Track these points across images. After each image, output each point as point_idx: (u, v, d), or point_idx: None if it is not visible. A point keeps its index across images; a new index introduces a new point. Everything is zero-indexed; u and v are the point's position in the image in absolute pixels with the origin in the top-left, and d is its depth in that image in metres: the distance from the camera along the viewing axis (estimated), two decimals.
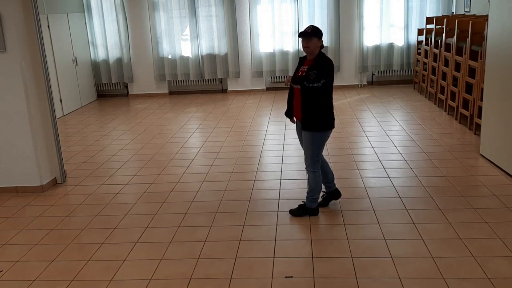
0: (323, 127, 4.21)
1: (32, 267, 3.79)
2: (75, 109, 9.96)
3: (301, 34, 4.13)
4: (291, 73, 10.64)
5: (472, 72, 6.82)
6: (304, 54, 4.29)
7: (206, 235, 4.15)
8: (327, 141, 6.49)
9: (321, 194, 4.57)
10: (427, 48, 9.15)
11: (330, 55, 10.43)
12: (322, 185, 4.50)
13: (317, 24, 10.35)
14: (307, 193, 4.41)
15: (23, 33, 5.10)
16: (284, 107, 4.56)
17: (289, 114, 4.47)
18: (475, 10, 9.13)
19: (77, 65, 10.12)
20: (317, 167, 4.31)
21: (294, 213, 4.43)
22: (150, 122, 8.49)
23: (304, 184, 5.15)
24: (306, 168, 4.37)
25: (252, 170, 5.73)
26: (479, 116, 6.25)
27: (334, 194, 4.58)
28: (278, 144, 6.71)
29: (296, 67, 4.36)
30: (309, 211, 4.40)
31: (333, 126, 4.28)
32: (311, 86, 4.05)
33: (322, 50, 4.20)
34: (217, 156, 6.34)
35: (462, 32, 7.30)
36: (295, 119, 4.45)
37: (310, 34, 4.10)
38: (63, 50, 9.56)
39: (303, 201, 4.48)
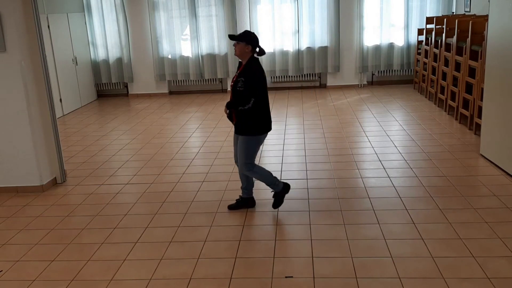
0: (255, 132, 4.26)
1: (32, 267, 3.79)
2: (75, 109, 9.96)
3: (230, 36, 4.22)
4: (290, 73, 10.68)
5: (472, 72, 6.82)
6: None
7: (206, 235, 4.15)
8: (328, 141, 6.50)
9: (237, 197, 4.68)
10: (427, 48, 9.15)
11: (330, 55, 10.45)
12: (242, 188, 4.59)
13: (317, 24, 10.38)
14: (268, 186, 4.49)
15: (23, 33, 5.10)
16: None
17: (230, 117, 4.41)
18: (475, 10, 9.13)
19: (77, 65, 10.12)
20: (251, 166, 4.35)
21: (277, 204, 4.50)
22: (150, 122, 8.49)
23: (304, 184, 5.16)
24: (243, 172, 4.43)
25: None
26: (479, 116, 6.25)
27: (249, 201, 4.62)
28: (278, 144, 6.70)
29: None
30: (282, 192, 4.49)
31: (267, 130, 4.33)
32: (238, 90, 4.15)
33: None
34: (217, 156, 6.34)
35: (462, 32, 7.30)
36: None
37: (236, 37, 4.16)
38: (63, 50, 9.56)
39: (272, 191, 4.54)
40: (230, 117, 4.36)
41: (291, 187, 4.58)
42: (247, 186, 4.57)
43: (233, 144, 4.55)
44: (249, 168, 4.36)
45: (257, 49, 4.20)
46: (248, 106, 4.16)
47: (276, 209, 4.55)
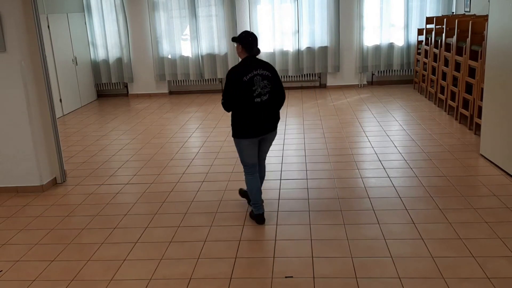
0: (234, 134, 4.22)
1: (32, 267, 3.79)
2: (75, 109, 9.96)
3: (233, 39, 4.23)
4: (290, 73, 10.68)
5: (472, 72, 6.82)
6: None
7: (206, 235, 4.15)
8: (328, 141, 6.51)
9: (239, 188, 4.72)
10: (427, 48, 9.15)
11: (330, 55, 10.45)
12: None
13: (317, 24, 10.38)
14: (249, 202, 4.49)
15: (23, 33, 5.10)
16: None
17: None
18: (475, 10, 9.14)
19: (77, 65, 10.12)
20: (246, 169, 4.32)
21: (242, 194, 4.66)
22: (150, 122, 8.49)
23: (304, 184, 5.16)
24: None
25: None
26: (479, 116, 6.24)
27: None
28: (278, 144, 6.70)
29: None
30: (254, 216, 4.35)
31: (245, 136, 4.15)
32: None
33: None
34: (217, 156, 6.34)
35: (462, 32, 7.30)
36: None
37: (234, 39, 4.17)
38: (63, 50, 9.56)
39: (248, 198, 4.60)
40: None
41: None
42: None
43: None
44: (244, 170, 4.35)
45: (242, 47, 4.12)
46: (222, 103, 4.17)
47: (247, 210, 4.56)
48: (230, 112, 4.21)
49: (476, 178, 5.14)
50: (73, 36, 10.01)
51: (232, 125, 4.20)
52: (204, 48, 10.66)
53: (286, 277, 3.44)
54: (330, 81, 10.80)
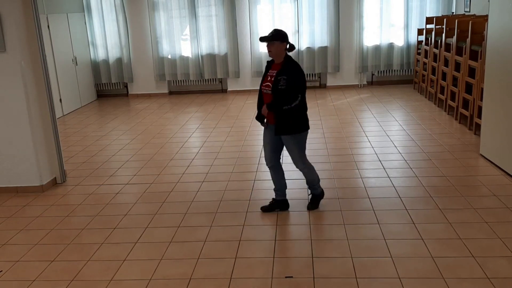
0: (305, 127, 4.25)
1: (32, 267, 3.79)
2: (75, 109, 9.95)
3: (262, 38, 4.15)
4: None
5: (472, 72, 6.82)
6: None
7: (206, 235, 4.15)
8: (328, 141, 6.51)
9: (271, 200, 4.63)
10: (427, 48, 9.15)
11: (330, 55, 10.45)
12: (275, 191, 4.59)
13: (317, 24, 10.38)
14: (310, 185, 4.55)
15: (23, 33, 5.10)
16: None
17: (260, 118, 4.36)
18: (475, 10, 9.14)
19: (77, 65, 10.11)
20: (306, 162, 4.41)
21: (313, 206, 4.55)
22: (150, 122, 8.49)
23: (304, 184, 5.14)
24: (300, 169, 4.44)
25: (252, 170, 5.73)
26: (479, 116, 6.24)
27: (282, 204, 4.57)
28: None
29: (264, 72, 4.33)
30: (319, 196, 4.59)
31: (308, 127, 4.30)
32: (280, 89, 4.08)
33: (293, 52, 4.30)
34: (217, 156, 6.34)
35: (462, 32, 7.31)
36: (266, 123, 4.37)
37: (270, 38, 4.11)
38: (63, 50, 9.56)
39: (309, 194, 4.62)
40: (261, 118, 4.32)
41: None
42: (281, 188, 4.54)
43: (264, 145, 4.43)
44: (305, 163, 4.39)
45: (288, 45, 4.19)
46: (295, 104, 4.08)
47: (311, 210, 4.56)
48: (285, 108, 4.13)
49: (476, 178, 5.14)
50: (73, 36, 10.01)
51: (299, 120, 4.19)
52: (204, 48, 10.66)
53: (286, 277, 3.44)
54: (330, 81, 10.79)
